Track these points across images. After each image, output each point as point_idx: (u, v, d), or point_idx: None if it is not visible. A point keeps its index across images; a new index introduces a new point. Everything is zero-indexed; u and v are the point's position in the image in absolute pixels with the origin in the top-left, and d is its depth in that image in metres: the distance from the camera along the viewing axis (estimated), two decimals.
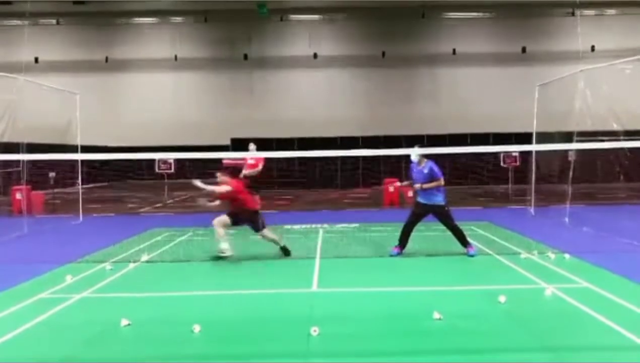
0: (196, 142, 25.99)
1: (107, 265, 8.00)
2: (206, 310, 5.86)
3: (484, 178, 25.21)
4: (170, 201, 18.91)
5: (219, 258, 8.33)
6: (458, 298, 6.21)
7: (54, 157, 8.77)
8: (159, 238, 10.54)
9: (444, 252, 8.75)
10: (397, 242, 8.66)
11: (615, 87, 12.47)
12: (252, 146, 12.55)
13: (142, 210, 16.70)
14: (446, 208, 8.57)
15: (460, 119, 28.10)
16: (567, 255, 8.23)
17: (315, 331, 4.94)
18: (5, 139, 11.34)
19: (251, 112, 29.82)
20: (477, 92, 29.41)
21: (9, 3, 28.64)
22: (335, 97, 29.86)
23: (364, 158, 24.44)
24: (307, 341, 4.83)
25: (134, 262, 8.27)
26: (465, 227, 9.47)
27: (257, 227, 8.53)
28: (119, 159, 9.18)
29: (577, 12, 27.48)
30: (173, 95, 30.79)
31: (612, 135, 12.16)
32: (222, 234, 8.34)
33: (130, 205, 18.06)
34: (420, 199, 8.65)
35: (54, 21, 30.24)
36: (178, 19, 30.51)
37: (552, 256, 8.22)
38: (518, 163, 18.50)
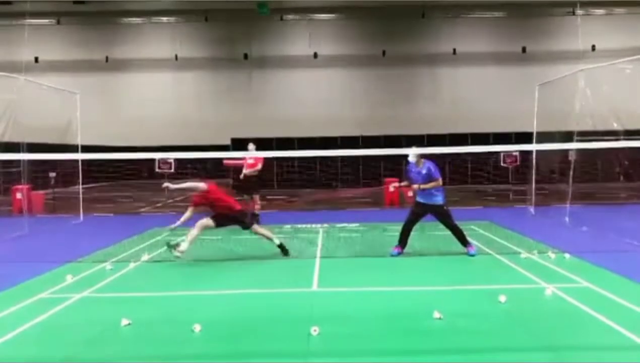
0: (196, 142, 26.00)
1: (108, 265, 8.00)
2: (207, 309, 5.86)
3: (484, 178, 25.22)
4: (171, 201, 18.91)
5: (168, 246, 8.09)
6: (458, 297, 6.21)
7: (55, 157, 8.77)
8: (159, 238, 10.53)
9: (444, 251, 8.75)
10: (397, 242, 8.66)
11: (615, 87, 12.48)
12: (251, 146, 12.59)
13: (142, 210, 16.70)
14: (445, 207, 8.57)
15: (460, 119, 28.11)
16: (567, 255, 8.23)
17: (315, 331, 4.94)
18: (6, 139, 11.34)
19: (251, 112, 29.84)
20: (477, 92, 29.41)
21: (9, 3, 28.64)
22: (336, 97, 29.85)
23: (364, 158, 24.42)
24: (308, 341, 4.83)
25: (135, 261, 8.27)
26: (466, 227, 9.48)
27: (246, 225, 8.43)
28: (119, 158, 9.18)
29: (578, 11, 27.46)
30: (173, 94, 30.80)
31: (613, 134, 12.16)
32: (194, 237, 8.11)
33: (130, 205, 18.06)
34: (419, 199, 8.65)
35: (54, 21, 30.25)
36: (178, 19, 30.50)
37: (552, 256, 8.21)
38: (518, 162, 18.50)
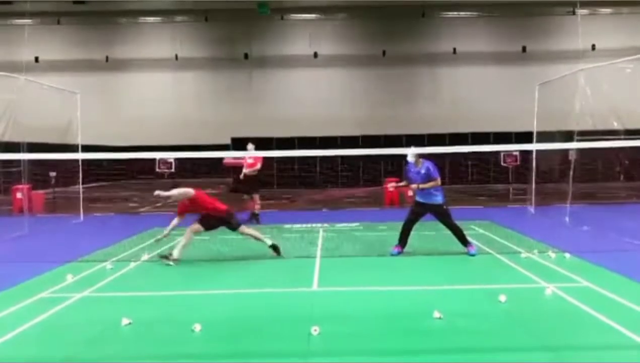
0: (197, 142, 25.99)
1: (108, 265, 8.00)
2: (207, 309, 5.86)
3: (485, 177, 25.22)
4: (171, 200, 18.89)
5: (161, 257, 8.12)
6: (458, 297, 6.21)
7: (55, 157, 8.78)
8: (159, 237, 10.51)
9: (444, 251, 8.75)
10: (397, 242, 8.66)
11: (615, 86, 12.48)
12: (250, 146, 12.62)
13: (142, 209, 16.70)
14: (445, 207, 8.57)
15: (460, 119, 28.10)
16: (567, 255, 8.22)
17: (315, 330, 4.94)
18: (6, 139, 11.34)
19: (251, 111, 29.84)
20: (477, 92, 29.41)
21: (10, 3, 28.65)
22: (336, 97, 29.86)
23: (364, 158, 24.41)
24: (308, 340, 4.83)
25: (135, 261, 8.27)
26: (466, 226, 9.48)
27: (233, 226, 8.35)
28: (119, 158, 9.18)
29: (578, 11, 27.45)
30: (173, 94, 30.81)
31: (613, 134, 12.16)
32: (185, 244, 8.10)
33: (130, 205, 18.06)
34: (419, 199, 8.65)
35: (54, 21, 30.24)
36: (178, 19, 30.51)
37: (553, 255, 8.21)
38: (518, 162, 18.50)
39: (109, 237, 10.56)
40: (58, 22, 30.38)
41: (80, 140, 14.23)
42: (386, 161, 24.55)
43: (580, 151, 14.79)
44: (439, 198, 8.51)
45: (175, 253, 8.04)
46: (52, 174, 16.14)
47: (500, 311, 5.62)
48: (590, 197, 17.51)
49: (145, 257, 8.55)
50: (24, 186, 14.18)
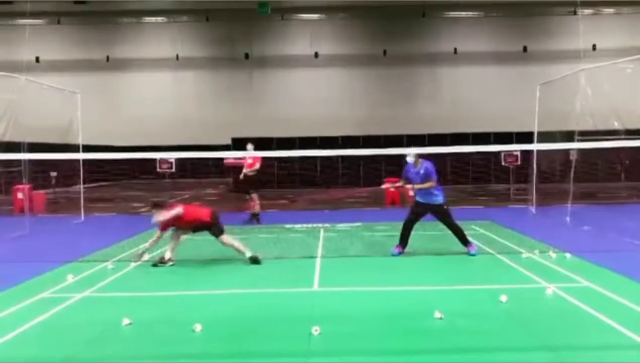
0: (197, 142, 25.99)
1: (109, 265, 8.01)
2: (207, 309, 5.86)
3: (485, 177, 25.22)
4: (172, 201, 18.91)
5: (155, 266, 8.05)
6: (459, 297, 6.21)
7: (55, 157, 8.78)
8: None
9: (445, 251, 8.75)
10: (398, 242, 8.66)
11: (616, 86, 12.48)
12: (249, 146, 12.64)
13: (143, 209, 16.70)
14: (445, 207, 8.57)
15: (461, 119, 28.10)
16: (568, 255, 8.22)
17: (316, 330, 4.94)
18: (7, 139, 11.35)
19: (252, 111, 29.85)
20: (478, 91, 29.40)
21: (10, 2, 28.67)
22: (336, 97, 29.86)
23: (365, 158, 24.40)
24: (308, 340, 4.83)
25: (135, 261, 8.27)
26: (467, 227, 9.47)
27: (214, 234, 8.24)
28: (119, 158, 9.17)
29: (579, 11, 27.44)
30: (174, 94, 30.83)
31: (614, 134, 12.15)
32: (175, 246, 8.11)
33: (131, 205, 18.07)
34: (419, 198, 8.65)
35: (55, 20, 30.26)
36: (179, 18, 30.51)
37: (553, 255, 8.21)
38: (519, 162, 18.50)
39: (110, 237, 10.57)
40: (58, 22, 30.40)
41: (80, 140, 14.24)
42: (387, 161, 24.54)
43: (581, 151, 14.77)
44: (439, 198, 8.51)
45: (168, 254, 8.06)
46: (53, 173, 16.17)
47: (500, 311, 5.62)
48: (591, 197, 17.51)
49: (146, 257, 8.53)
50: (25, 186, 14.19)
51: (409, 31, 29.93)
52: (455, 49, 29.60)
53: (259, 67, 30.43)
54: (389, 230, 10.70)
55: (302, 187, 24.70)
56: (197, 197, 20.55)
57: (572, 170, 12.85)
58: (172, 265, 8.00)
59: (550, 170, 17.76)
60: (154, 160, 19.05)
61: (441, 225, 8.74)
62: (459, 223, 8.74)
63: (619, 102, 12.88)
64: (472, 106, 28.89)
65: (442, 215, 8.57)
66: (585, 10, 28.31)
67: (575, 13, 28.01)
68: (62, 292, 6.56)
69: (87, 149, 15.64)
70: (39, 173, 15.84)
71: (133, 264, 8.13)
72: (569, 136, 11.90)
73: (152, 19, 30.71)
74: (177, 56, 30.23)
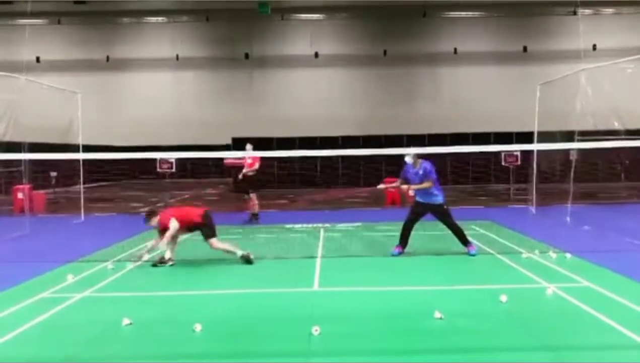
0: (197, 142, 25.99)
1: (109, 265, 8.02)
2: (207, 309, 5.86)
3: (485, 177, 25.21)
4: (172, 200, 18.91)
5: (155, 266, 8.04)
6: (459, 297, 6.21)
7: (55, 157, 8.78)
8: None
9: (445, 251, 8.75)
10: (398, 242, 8.66)
11: (616, 86, 12.46)
12: (248, 146, 12.66)
13: (143, 209, 16.69)
14: (445, 207, 8.57)
15: (461, 119, 28.10)
16: (568, 255, 8.22)
17: (316, 330, 4.94)
18: (7, 139, 11.35)
19: (252, 111, 29.85)
20: (478, 92, 29.40)
21: (10, 2, 28.68)
22: (336, 97, 29.85)
23: (365, 158, 24.39)
24: (309, 340, 4.84)
25: (135, 261, 8.27)
26: (467, 227, 9.47)
27: (205, 235, 8.23)
28: (119, 158, 9.17)
29: (579, 11, 27.43)
30: (174, 94, 30.83)
31: (614, 134, 12.15)
32: (172, 245, 8.15)
33: (131, 205, 18.07)
34: (419, 199, 8.65)
35: (55, 20, 30.26)
36: (179, 18, 30.51)
37: (554, 255, 8.21)
38: (519, 162, 18.50)
39: (110, 237, 10.56)
40: (59, 22, 30.40)
41: (80, 140, 14.24)
42: (387, 161, 24.52)
43: (581, 151, 14.77)
44: (439, 199, 8.51)
45: (168, 254, 8.07)
46: (53, 173, 16.17)
47: (500, 311, 5.62)
48: (591, 197, 17.51)
49: (146, 257, 8.53)
50: (25, 186, 14.19)
51: (409, 31, 29.93)
52: (455, 49, 29.60)
53: (259, 67, 30.43)
54: (389, 230, 10.69)
55: (302, 187, 24.70)
56: (197, 197, 20.56)
57: (572, 170, 12.86)
58: (172, 265, 8.02)
59: (551, 170, 17.76)
60: (154, 160, 19.04)
61: (441, 225, 8.74)
62: (459, 223, 8.74)
63: (619, 102, 12.88)
64: (472, 106, 28.89)
65: (442, 215, 8.57)
66: (585, 10, 28.31)
67: (575, 13, 28.00)
68: (62, 292, 6.56)
69: (87, 149, 15.65)
70: (39, 173, 15.84)
71: (132, 265, 8.12)
72: (569, 136, 11.90)
73: (152, 19, 30.70)
74: (177, 56, 30.23)
